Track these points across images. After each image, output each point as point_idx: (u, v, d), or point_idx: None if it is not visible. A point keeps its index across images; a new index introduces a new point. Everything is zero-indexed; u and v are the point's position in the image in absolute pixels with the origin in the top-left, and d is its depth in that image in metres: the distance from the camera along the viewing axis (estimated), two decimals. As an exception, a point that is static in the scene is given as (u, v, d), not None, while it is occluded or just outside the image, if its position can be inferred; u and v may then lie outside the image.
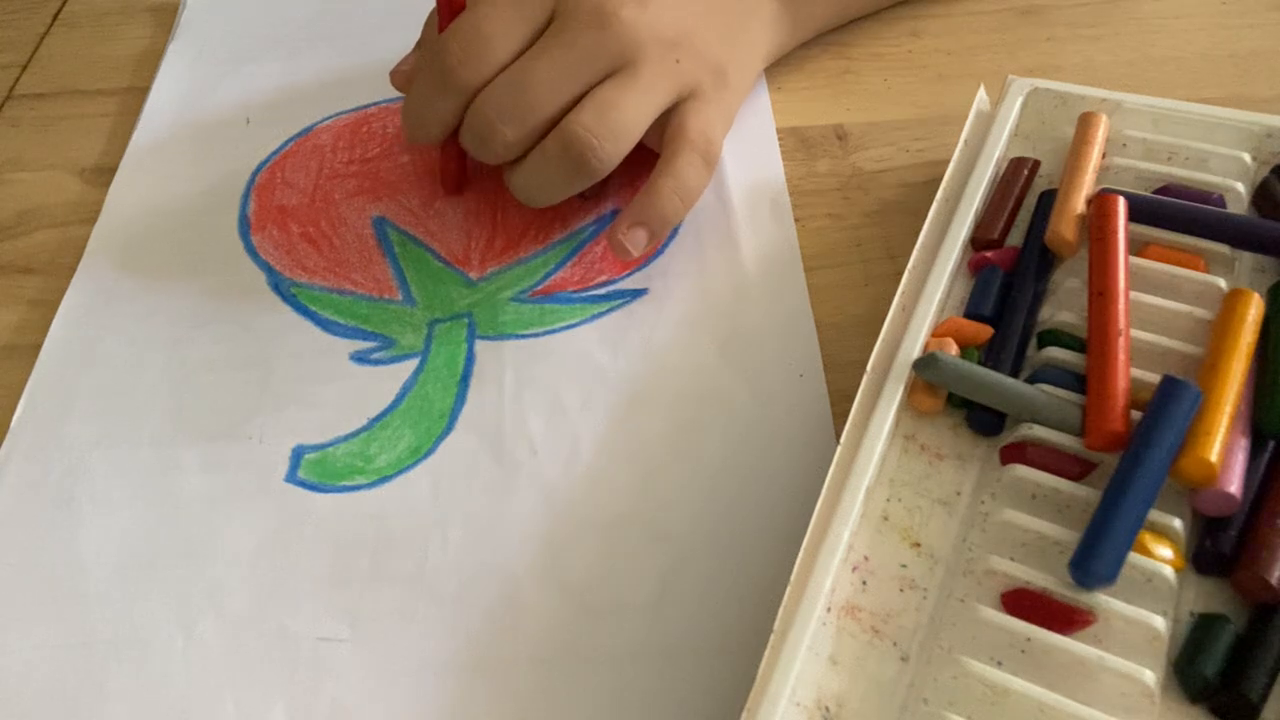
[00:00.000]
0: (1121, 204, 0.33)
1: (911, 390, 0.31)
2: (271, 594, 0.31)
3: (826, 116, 0.44)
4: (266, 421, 0.35)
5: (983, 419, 0.30)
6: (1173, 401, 0.27)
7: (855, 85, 0.46)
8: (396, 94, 0.46)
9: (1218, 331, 0.29)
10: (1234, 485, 0.27)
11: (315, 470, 0.34)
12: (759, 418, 0.34)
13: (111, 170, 0.44)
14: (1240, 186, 0.35)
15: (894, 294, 0.32)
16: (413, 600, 0.31)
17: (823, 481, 0.28)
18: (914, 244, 0.34)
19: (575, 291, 0.38)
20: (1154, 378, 0.28)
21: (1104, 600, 0.25)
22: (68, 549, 0.32)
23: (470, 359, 0.36)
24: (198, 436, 0.35)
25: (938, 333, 0.32)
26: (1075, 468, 0.28)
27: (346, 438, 0.34)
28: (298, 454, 0.34)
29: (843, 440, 0.29)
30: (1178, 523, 0.27)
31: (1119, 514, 0.26)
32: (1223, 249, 0.33)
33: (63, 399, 0.36)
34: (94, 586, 0.31)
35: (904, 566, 0.28)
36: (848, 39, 0.48)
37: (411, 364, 0.36)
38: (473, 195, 0.42)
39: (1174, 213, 0.33)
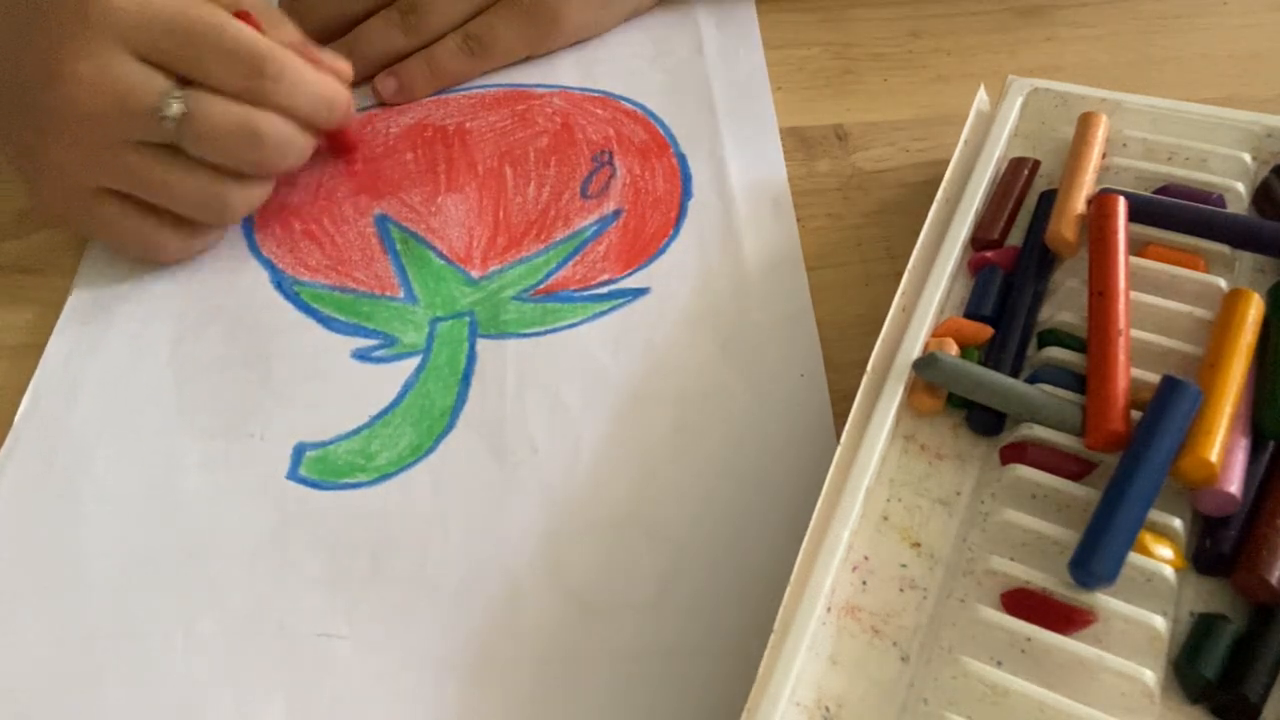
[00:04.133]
0: (1121, 204, 0.33)
1: (911, 390, 0.31)
2: (272, 590, 0.31)
3: (826, 116, 0.44)
4: (268, 419, 0.35)
5: (983, 419, 0.30)
6: (1173, 401, 0.27)
7: (855, 85, 0.46)
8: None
9: (1218, 331, 0.29)
10: (1234, 485, 0.27)
11: (316, 468, 0.34)
12: (760, 417, 0.34)
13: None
14: (1240, 186, 0.35)
15: (894, 294, 0.32)
16: (413, 598, 0.31)
17: (823, 481, 0.28)
18: (914, 244, 0.34)
19: (577, 290, 0.38)
20: (1154, 378, 0.28)
21: (1104, 600, 0.25)
22: (69, 544, 0.32)
23: (472, 357, 0.36)
24: (200, 434, 0.35)
25: (938, 333, 0.32)
26: (1075, 468, 0.28)
27: (348, 435, 0.35)
28: (299, 451, 0.34)
29: (843, 440, 0.29)
30: (1178, 523, 0.27)
31: (1119, 514, 0.26)
32: (1223, 249, 0.33)
33: (66, 396, 0.36)
34: (94, 581, 0.32)
35: (904, 566, 0.28)
36: (848, 39, 0.48)
37: (413, 362, 0.36)
38: (474, 193, 0.42)
39: (1174, 213, 0.33)
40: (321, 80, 0.38)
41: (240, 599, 0.31)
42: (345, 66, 0.40)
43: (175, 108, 0.34)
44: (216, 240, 0.40)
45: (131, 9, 0.34)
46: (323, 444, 0.34)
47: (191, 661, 0.30)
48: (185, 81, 0.35)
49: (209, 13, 0.35)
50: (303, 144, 0.38)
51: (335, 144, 0.43)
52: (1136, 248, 0.33)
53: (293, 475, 0.34)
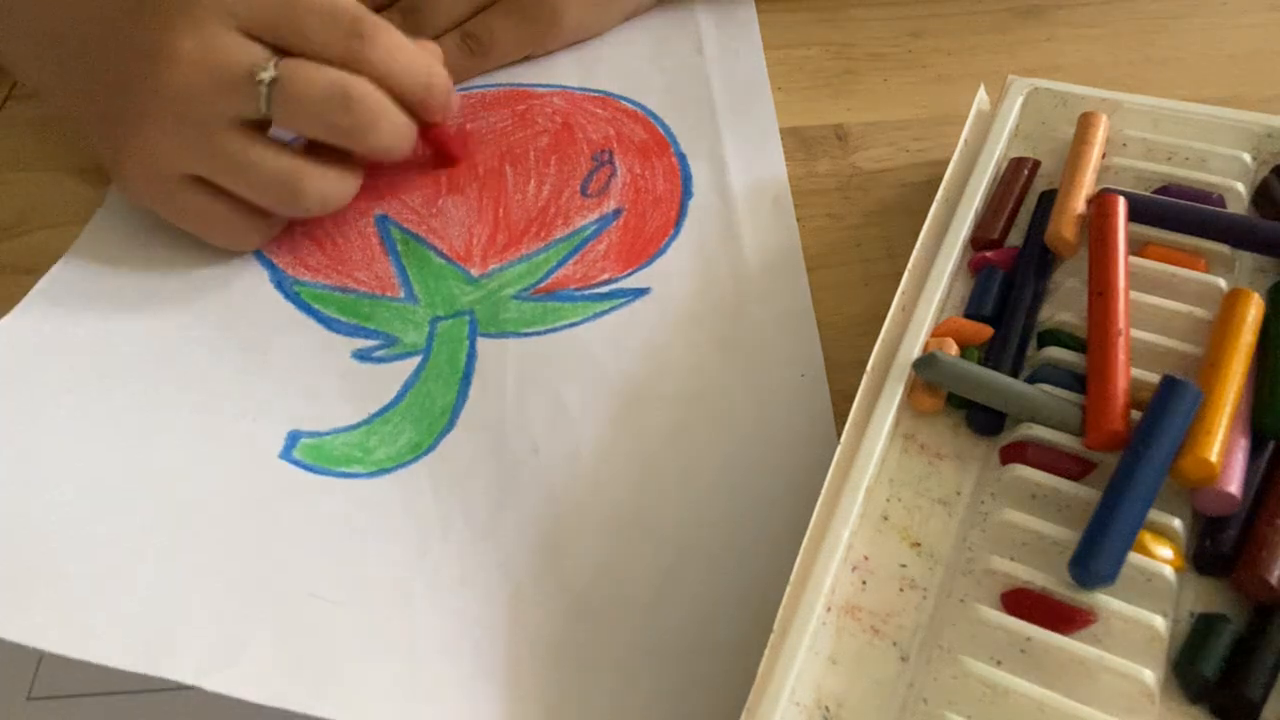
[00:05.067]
0: (1121, 204, 0.33)
1: (911, 390, 0.31)
2: (258, 554, 0.31)
3: (826, 116, 0.44)
4: (267, 416, 0.35)
5: (983, 419, 0.30)
6: (1173, 401, 0.27)
7: (855, 85, 0.46)
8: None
9: (1218, 331, 0.30)
10: (1234, 485, 0.27)
11: (311, 454, 0.34)
12: (760, 417, 0.34)
13: (112, 169, 0.44)
14: (1240, 186, 0.35)
15: (894, 294, 0.32)
16: (411, 592, 0.31)
17: (823, 481, 0.28)
18: (914, 244, 0.34)
19: (577, 289, 0.38)
20: (1154, 378, 0.28)
21: (1104, 600, 0.25)
22: (27, 471, 0.32)
23: (472, 357, 0.36)
24: (191, 413, 0.35)
25: (938, 332, 0.32)
26: (1075, 467, 0.28)
27: (345, 430, 0.34)
28: (293, 438, 0.34)
29: (842, 440, 0.29)
30: (1178, 522, 0.27)
31: (1119, 513, 0.26)
32: (1223, 249, 0.33)
33: (38, 339, 0.36)
34: (51, 501, 0.31)
35: (904, 566, 0.28)
36: (848, 39, 0.48)
37: (413, 362, 0.36)
38: (475, 192, 0.42)
39: (1174, 213, 0.33)
40: (419, 54, 0.38)
41: (222, 551, 0.31)
42: (436, 47, 0.40)
43: (268, 73, 0.35)
44: (279, 228, 0.40)
45: None
46: (319, 434, 0.34)
47: (165, 575, 0.30)
48: (282, 54, 0.35)
49: None
50: (398, 121, 0.37)
51: (438, 149, 0.42)
52: (1136, 248, 0.33)
53: (286, 456, 0.33)
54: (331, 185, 0.38)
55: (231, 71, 0.35)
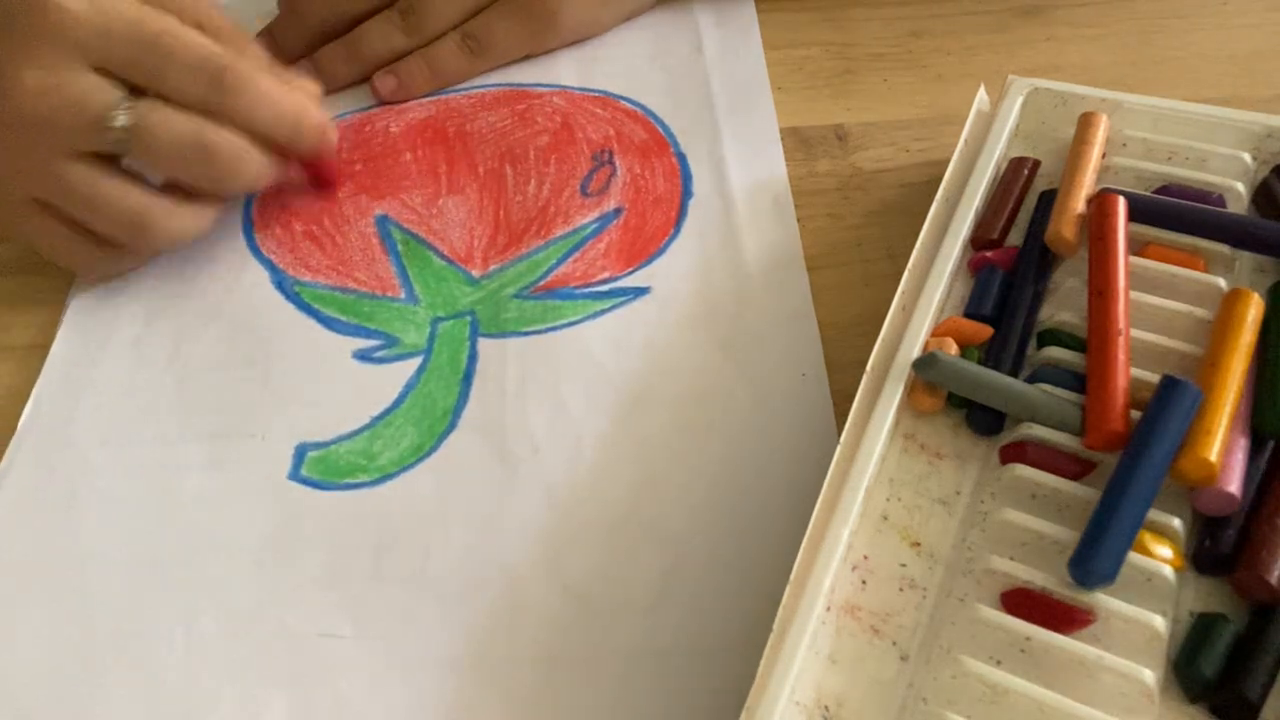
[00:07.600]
0: (1121, 204, 0.33)
1: (911, 390, 0.31)
2: (274, 590, 0.31)
3: (826, 116, 0.44)
4: (270, 419, 0.35)
5: (983, 419, 0.30)
6: (1173, 401, 0.27)
7: (855, 85, 0.46)
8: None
9: (1218, 331, 0.30)
10: (1234, 485, 0.27)
11: (318, 468, 0.34)
12: (761, 417, 0.34)
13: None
14: (1240, 186, 0.35)
15: (894, 294, 0.32)
16: (414, 598, 0.31)
17: (823, 481, 0.28)
18: (914, 244, 0.34)
19: (577, 288, 0.38)
20: (1154, 377, 0.28)
21: (1104, 600, 0.25)
22: (72, 546, 0.32)
23: (473, 357, 0.36)
24: (202, 435, 0.35)
25: (937, 332, 0.32)
26: (1075, 467, 0.28)
27: (349, 435, 0.35)
28: (301, 452, 0.34)
29: (842, 439, 0.29)
30: (1177, 522, 0.27)
31: (1119, 513, 0.26)
32: (1223, 249, 0.33)
33: (69, 400, 0.36)
34: (96, 585, 0.32)
35: (904, 566, 0.28)
36: (848, 39, 0.48)
37: (414, 362, 0.36)
38: (475, 192, 0.42)
39: (1174, 212, 0.33)
40: (288, 97, 0.37)
41: (242, 599, 0.31)
42: (314, 86, 0.40)
43: (122, 119, 0.34)
44: (137, 265, 0.39)
45: (91, 18, 0.34)
46: (324, 444, 0.34)
47: (193, 660, 0.30)
48: (140, 92, 0.35)
49: (170, 24, 0.35)
50: (259, 162, 0.37)
51: (314, 175, 0.42)
52: (1136, 248, 0.33)
53: (294, 476, 0.34)
54: (183, 223, 0.38)
55: (79, 109, 0.34)
